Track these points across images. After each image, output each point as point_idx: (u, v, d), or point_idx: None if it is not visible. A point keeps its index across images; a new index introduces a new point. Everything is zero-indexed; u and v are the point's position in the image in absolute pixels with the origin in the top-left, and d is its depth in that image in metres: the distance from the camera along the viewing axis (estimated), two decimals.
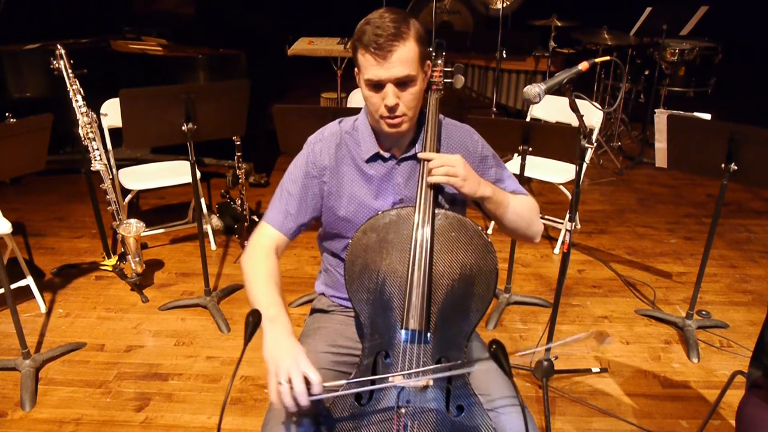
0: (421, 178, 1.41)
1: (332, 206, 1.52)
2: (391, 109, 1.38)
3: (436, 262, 1.37)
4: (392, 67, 1.33)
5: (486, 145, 1.59)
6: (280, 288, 1.41)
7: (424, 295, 1.34)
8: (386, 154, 1.50)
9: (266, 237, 1.51)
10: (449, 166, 1.38)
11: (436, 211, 1.40)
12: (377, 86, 1.37)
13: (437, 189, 1.44)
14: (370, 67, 1.35)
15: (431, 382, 1.34)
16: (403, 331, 1.35)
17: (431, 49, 1.53)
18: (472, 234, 1.39)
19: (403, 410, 1.33)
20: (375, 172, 1.50)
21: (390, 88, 1.36)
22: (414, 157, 1.50)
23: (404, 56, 1.33)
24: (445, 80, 1.57)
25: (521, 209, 1.53)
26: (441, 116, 1.53)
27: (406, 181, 1.50)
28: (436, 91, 1.53)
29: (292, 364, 1.21)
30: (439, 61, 1.56)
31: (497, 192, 1.46)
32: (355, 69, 1.42)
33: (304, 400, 1.18)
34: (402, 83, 1.36)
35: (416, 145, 1.50)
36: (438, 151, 1.49)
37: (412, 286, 1.34)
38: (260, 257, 1.46)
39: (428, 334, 1.35)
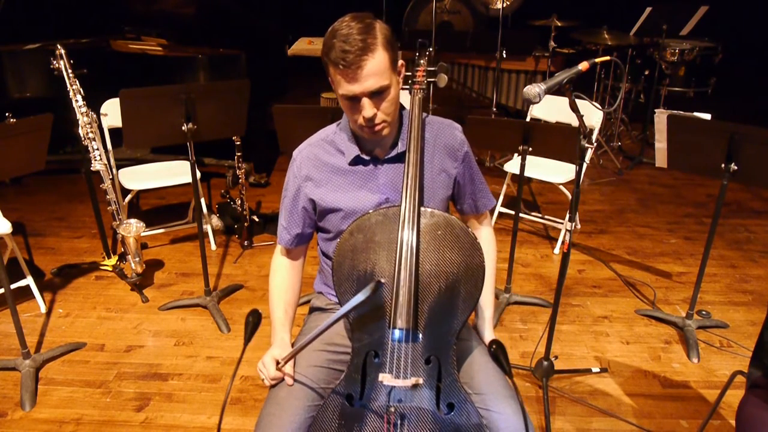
0: (406, 178, 1.41)
1: (321, 211, 1.55)
2: (370, 120, 1.39)
3: (422, 261, 1.37)
4: (365, 81, 1.33)
5: (466, 142, 1.60)
6: (284, 299, 1.62)
7: (411, 294, 1.34)
8: (367, 157, 1.51)
9: (278, 250, 1.68)
10: None
11: (422, 209, 1.40)
12: (353, 99, 1.37)
13: (421, 187, 1.45)
14: (342, 84, 1.35)
15: (421, 381, 1.34)
16: (391, 331, 1.36)
17: (417, 49, 1.54)
18: (458, 232, 1.39)
19: (393, 409, 1.34)
20: (358, 175, 1.52)
21: (366, 101, 1.36)
22: (397, 157, 1.51)
23: (375, 68, 1.32)
24: (429, 80, 1.57)
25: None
26: (424, 114, 1.54)
27: (390, 181, 1.51)
28: (420, 90, 1.53)
29: (265, 357, 1.48)
30: (422, 61, 1.56)
31: (491, 321, 1.66)
32: (329, 78, 1.41)
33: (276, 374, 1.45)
34: (377, 93, 1.36)
35: (398, 144, 1.51)
36: (422, 149, 1.49)
37: (399, 285, 1.34)
38: (273, 274, 1.66)
39: (417, 333, 1.36)
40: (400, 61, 1.42)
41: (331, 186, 1.53)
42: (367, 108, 1.37)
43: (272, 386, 1.46)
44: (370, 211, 1.43)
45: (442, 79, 1.58)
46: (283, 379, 1.45)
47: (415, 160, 1.43)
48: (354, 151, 1.51)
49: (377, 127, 1.41)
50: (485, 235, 1.71)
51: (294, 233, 1.60)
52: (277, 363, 1.42)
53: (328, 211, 1.54)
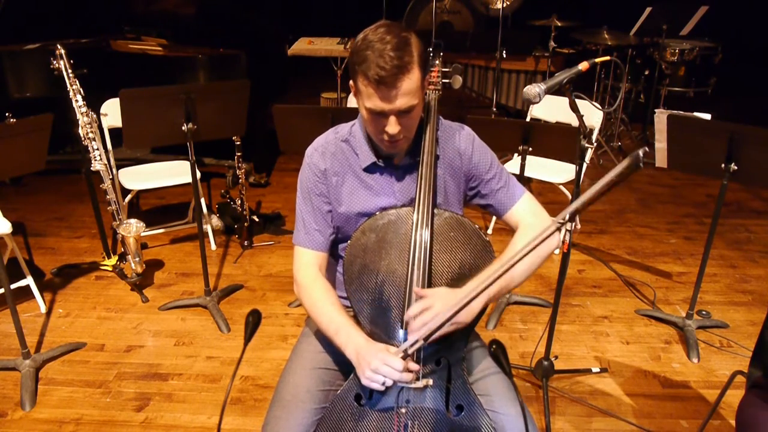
0: (420, 179, 1.41)
1: (334, 210, 1.52)
2: (393, 136, 1.36)
3: (434, 262, 1.37)
4: (396, 100, 1.30)
5: (482, 146, 1.55)
6: (337, 303, 1.45)
7: None
8: (383, 164, 1.49)
9: (306, 261, 1.51)
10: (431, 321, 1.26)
11: (435, 211, 1.40)
12: (379, 114, 1.34)
13: (435, 189, 1.44)
14: (372, 99, 1.31)
15: (431, 382, 1.34)
16: (402, 331, 1.35)
17: (429, 50, 1.53)
18: (470, 234, 1.39)
19: (403, 410, 1.33)
20: (373, 180, 1.50)
21: (392, 119, 1.33)
22: (413, 164, 1.49)
23: (408, 88, 1.30)
24: (443, 81, 1.56)
25: (528, 265, 1.44)
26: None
27: (405, 188, 1.50)
28: (434, 91, 1.52)
29: (378, 357, 1.28)
30: (437, 62, 1.55)
31: (491, 292, 1.32)
32: (351, 83, 1.38)
33: (412, 366, 1.30)
34: (405, 112, 1.33)
35: (414, 151, 1.48)
36: (436, 156, 1.48)
37: (412, 285, 1.34)
38: (311, 286, 1.48)
39: None
40: (426, 74, 1.38)
41: (346, 187, 1.50)
42: (393, 125, 1.34)
43: (277, 388, 1.46)
44: (383, 210, 1.42)
45: (457, 81, 1.57)
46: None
47: (428, 161, 1.43)
48: (370, 157, 1.48)
49: (398, 142, 1.39)
50: (526, 225, 1.51)
51: (328, 234, 1.51)
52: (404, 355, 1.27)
53: (338, 211, 1.51)
